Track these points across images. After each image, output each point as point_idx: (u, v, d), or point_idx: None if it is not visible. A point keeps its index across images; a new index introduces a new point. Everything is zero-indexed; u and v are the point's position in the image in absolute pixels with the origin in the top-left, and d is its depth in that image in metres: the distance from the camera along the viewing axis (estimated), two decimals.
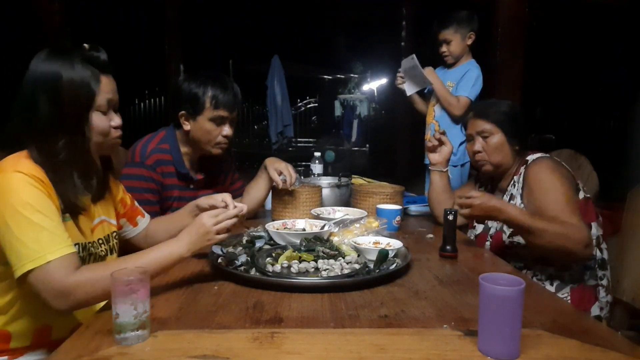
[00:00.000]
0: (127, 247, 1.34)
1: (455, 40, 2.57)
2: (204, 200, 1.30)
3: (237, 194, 1.96)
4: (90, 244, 1.13)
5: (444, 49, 2.60)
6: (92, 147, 1.12)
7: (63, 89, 1.04)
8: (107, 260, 1.20)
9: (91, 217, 1.17)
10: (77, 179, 1.10)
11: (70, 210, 1.08)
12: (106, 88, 1.10)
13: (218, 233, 1.11)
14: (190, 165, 1.76)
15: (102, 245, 1.19)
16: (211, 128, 1.66)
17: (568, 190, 1.47)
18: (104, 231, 1.21)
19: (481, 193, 1.47)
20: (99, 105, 1.09)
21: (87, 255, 1.12)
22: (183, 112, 1.66)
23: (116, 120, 1.15)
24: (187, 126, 1.68)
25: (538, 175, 1.52)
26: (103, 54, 1.11)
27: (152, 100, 7.87)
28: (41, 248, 0.94)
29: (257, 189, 1.85)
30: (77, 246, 1.08)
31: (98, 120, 1.10)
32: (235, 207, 1.18)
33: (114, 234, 1.25)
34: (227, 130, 1.68)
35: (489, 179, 1.77)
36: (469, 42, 2.58)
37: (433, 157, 1.87)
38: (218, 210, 1.15)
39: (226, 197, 1.24)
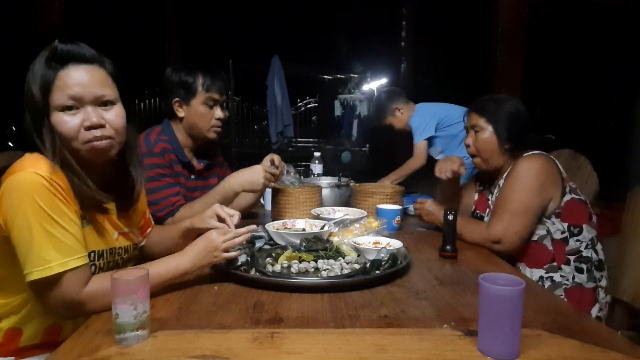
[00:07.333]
0: None
1: (393, 121, 3.18)
2: (198, 221, 1.27)
3: None
4: (109, 251, 1.11)
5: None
6: (75, 153, 1.01)
7: (26, 91, 0.98)
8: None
9: (117, 226, 1.15)
10: (90, 181, 1.04)
11: (90, 215, 1.05)
12: (68, 83, 0.97)
13: (225, 251, 1.11)
14: (189, 155, 1.80)
15: (121, 255, 1.16)
16: (204, 111, 1.72)
17: (533, 197, 1.52)
18: (126, 241, 1.18)
19: (430, 202, 1.74)
20: (58, 105, 0.97)
21: (105, 262, 1.10)
22: (177, 98, 1.72)
23: (90, 118, 0.99)
24: (181, 113, 1.73)
25: (520, 168, 1.56)
26: (66, 45, 0.99)
27: (152, 100, 7.86)
28: (52, 258, 0.92)
29: (241, 196, 1.82)
30: (93, 253, 1.06)
31: (60, 121, 0.98)
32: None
33: (135, 245, 1.23)
34: (219, 112, 1.74)
35: (487, 177, 1.78)
36: (400, 112, 3.15)
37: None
38: (227, 229, 1.16)
39: (217, 207, 1.25)
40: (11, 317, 1.07)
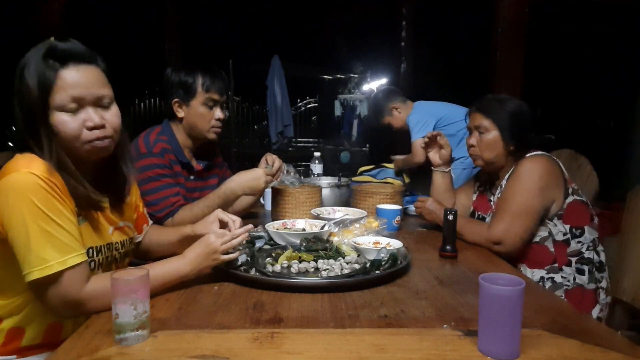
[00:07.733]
0: None
1: (391, 121, 3.17)
2: (200, 227, 1.26)
3: None
4: (107, 247, 1.12)
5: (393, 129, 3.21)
6: (72, 151, 1.01)
7: (21, 90, 0.97)
8: (125, 263, 1.20)
9: (111, 221, 1.15)
10: (85, 181, 1.04)
11: (85, 212, 1.05)
12: (69, 83, 0.97)
13: (224, 253, 1.11)
14: (189, 155, 1.80)
15: (118, 249, 1.16)
16: (204, 112, 1.71)
17: (535, 198, 1.51)
18: (122, 236, 1.18)
19: (431, 200, 1.75)
20: (60, 105, 0.97)
21: (103, 258, 1.11)
22: (176, 99, 1.72)
23: (93, 119, 0.99)
24: (180, 113, 1.72)
25: (522, 169, 1.55)
26: (64, 43, 0.98)
27: (152, 100, 7.87)
28: (51, 257, 0.92)
29: (241, 197, 1.80)
30: (91, 250, 1.06)
31: (61, 121, 0.98)
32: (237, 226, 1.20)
33: (131, 239, 1.24)
34: (218, 113, 1.74)
35: (487, 177, 1.78)
36: (397, 111, 3.12)
37: (434, 160, 1.89)
38: (224, 232, 1.16)
39: (219, 212, 1.25)
40: (13, 317, 1.06)
